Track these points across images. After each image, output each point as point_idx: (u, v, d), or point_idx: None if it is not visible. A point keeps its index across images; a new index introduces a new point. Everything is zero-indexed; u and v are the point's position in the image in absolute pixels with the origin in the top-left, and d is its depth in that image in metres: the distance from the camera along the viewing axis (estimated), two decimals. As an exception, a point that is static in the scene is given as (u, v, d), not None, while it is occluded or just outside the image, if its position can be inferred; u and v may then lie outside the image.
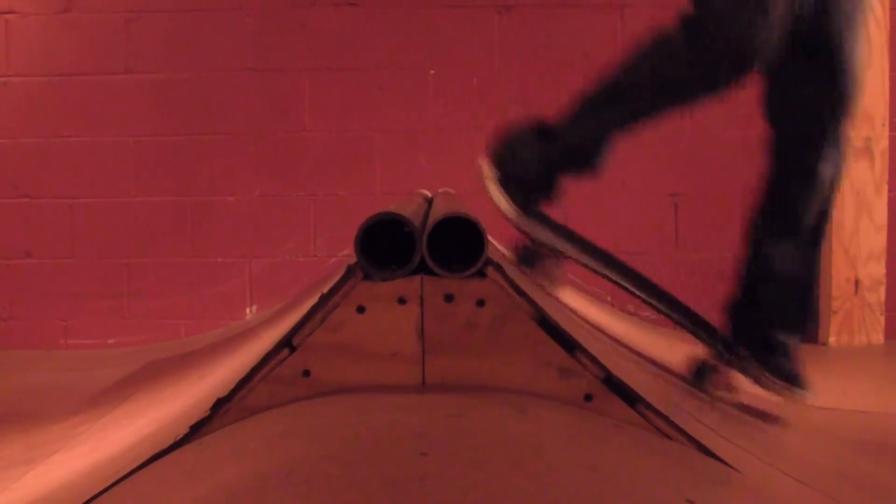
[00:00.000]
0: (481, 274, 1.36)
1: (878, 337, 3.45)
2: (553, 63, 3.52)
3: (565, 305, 1.99)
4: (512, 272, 1.42)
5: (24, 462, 1.77)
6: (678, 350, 2.13)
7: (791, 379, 1.90)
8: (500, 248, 2.14)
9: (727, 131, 3.56)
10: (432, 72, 3.54)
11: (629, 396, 1.34)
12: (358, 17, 3.53)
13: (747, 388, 1.94)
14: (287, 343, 1.36)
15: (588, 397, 1.34)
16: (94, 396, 2.47)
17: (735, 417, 1.86)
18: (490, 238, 1.40)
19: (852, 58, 1.83)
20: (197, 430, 1.32)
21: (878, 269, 3.45)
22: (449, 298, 1.35)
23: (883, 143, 3.45)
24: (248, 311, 3.56)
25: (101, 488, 1.24)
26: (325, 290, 1.38)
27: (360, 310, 1.36)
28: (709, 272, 3.56)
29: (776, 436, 1.87)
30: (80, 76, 3.55)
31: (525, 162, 1.88)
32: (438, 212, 1.53)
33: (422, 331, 1.35)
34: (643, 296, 1.96)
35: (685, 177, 3.55)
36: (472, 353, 1.35)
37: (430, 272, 1.36)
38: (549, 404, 1.30)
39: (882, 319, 3.45)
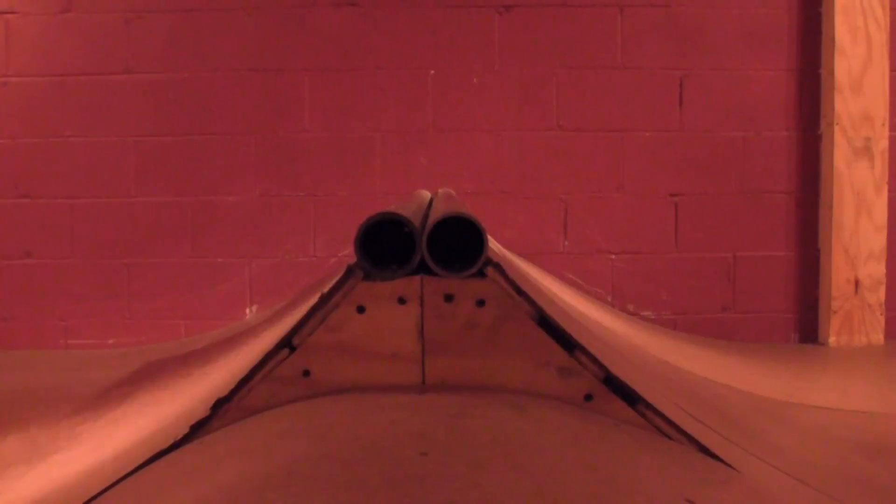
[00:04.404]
0: (481, 274, 1.36)
1: (878, 337, 3.45)
2: (553, 63, 3.53)
3: (565, 305, 1.99)
4: (512, 272, 1.42)
5: (24, 462, 1.77)
6: (680, 350, 2.12)
7: None
8: (500, 247, 2.14)
9: (727, 131, 3.56)
10: (432, 72, 3.54)
11: (629, 396, 1.34)
12: (358, 17, 3.54)
13: None
14: (287, 343, 1.36)
15: (588, 397, 1.34)
16: (94, 396, 2.47)
17: (735, 417, 1.85)
18: (490, 238, 1.40)
19: None
20: (197, 430, 1.32)
21: (878, 269, 3.45)
22: (449, 298, 1.35)
23: (883, 143, 3.45)
24: (248, 311, 3.56)
25: (101, 488, 1.24)
26: (325, 290, 1.38)
27: (360, 310, 1.36)
28: (709, 272, 3.56)
29: (776, 436, 1.87)
30: (80, 76, 3.55)
31: None
32: (438, 212, 1.52)
33: (422, 331, 1.35)
34: None
35: (685, 177, 3.55)
36: (473, 353, 1.35)
37: (430, 272, 1.36)
38: (549, 404, 1.30)
39: (882, 319, 3.46)
